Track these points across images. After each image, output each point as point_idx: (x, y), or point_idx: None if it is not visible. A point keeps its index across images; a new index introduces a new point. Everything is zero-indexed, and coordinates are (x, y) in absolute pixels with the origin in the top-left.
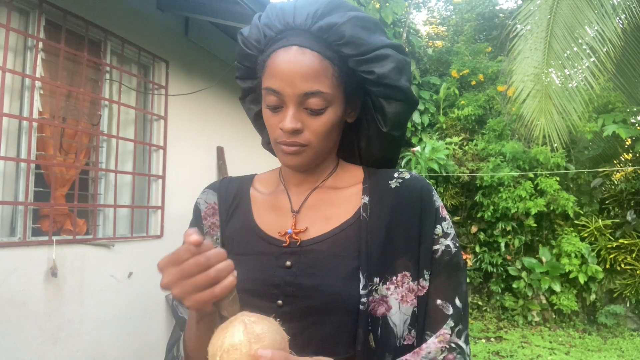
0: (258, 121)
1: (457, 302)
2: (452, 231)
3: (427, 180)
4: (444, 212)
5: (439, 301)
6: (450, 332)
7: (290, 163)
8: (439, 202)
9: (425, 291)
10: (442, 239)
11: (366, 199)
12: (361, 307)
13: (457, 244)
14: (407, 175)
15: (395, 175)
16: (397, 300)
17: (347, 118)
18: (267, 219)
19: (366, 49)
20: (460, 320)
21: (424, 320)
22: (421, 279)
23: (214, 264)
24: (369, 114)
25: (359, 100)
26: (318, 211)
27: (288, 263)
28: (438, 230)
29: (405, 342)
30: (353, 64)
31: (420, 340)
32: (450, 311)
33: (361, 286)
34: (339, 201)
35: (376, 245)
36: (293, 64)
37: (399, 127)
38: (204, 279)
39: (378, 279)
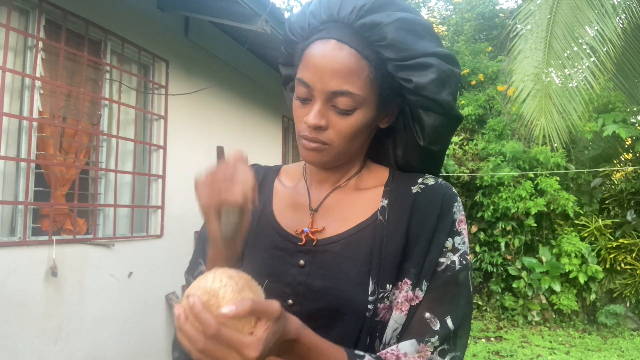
0: None
1: (449, 322)
2: (463, 247)
3: (453, 189)
4: (460, 226)
5: (427, 314)
6: (432, 350)
7: (309, 159)
8: (458, 215)
9: (417, 302)
10: (449, 253)
11: (385, 202)
12: (367, 313)
13: (465, 262)
14: (431, 182)
15: (419, 180)
16: (394, 305)
17: (380, 123)
18: (285, 214)
19: (408, 54)
20: (448, 341)
21: (405, 329)
22: (417, 289)
23: (238, 178)
24: (406, 123)
25: (395, 107)
26: (336, 211)
27: (302, 262)
28: (449, 243)
29: None
30: (392, 68)
31: None
32: (437, 327)
33: (369, 291)
34: (358, 202)
35: (391, 251)
36: (328, 59)
37: (438, 142)
38: (221, 183)
39: (391, 285)
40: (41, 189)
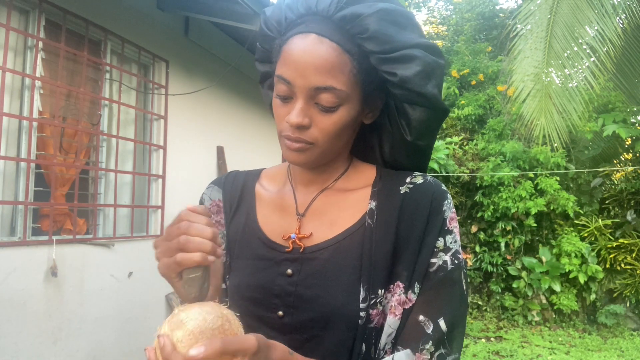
0: None
1: (442, 323)
2: (455, 247)
3: (443, 187)
4: (452, 225)
5: (421, 317)
6: (429, 357)
7: (293, 160)
8: (449, 213)
9: (411, 305)
10: (441, 253)
11: (373, 204)
12: (360, 321)
13: (457, 261)
14: (419, 180)
15: (408, 179)
16: (388, 310)
17: (364, 119)
18: (270, 221)
19: (391, 47)
20: (443, 344)
21: (399, 334)
22: (410, 292)
23: (192, 234)
24: (392, 118)
25: (379, 101)
26: (324, 215)
27: (289, 271)
28: (440, 243)
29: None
30: (375, 61)
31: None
32: (430, 330)
33: (361, 299)
34: (346, 205)
35: (380, 255)
36: (308, 54)
37: (425, 137)
38: (174, 244)
39: (382, 290)
40: (41, 189)
